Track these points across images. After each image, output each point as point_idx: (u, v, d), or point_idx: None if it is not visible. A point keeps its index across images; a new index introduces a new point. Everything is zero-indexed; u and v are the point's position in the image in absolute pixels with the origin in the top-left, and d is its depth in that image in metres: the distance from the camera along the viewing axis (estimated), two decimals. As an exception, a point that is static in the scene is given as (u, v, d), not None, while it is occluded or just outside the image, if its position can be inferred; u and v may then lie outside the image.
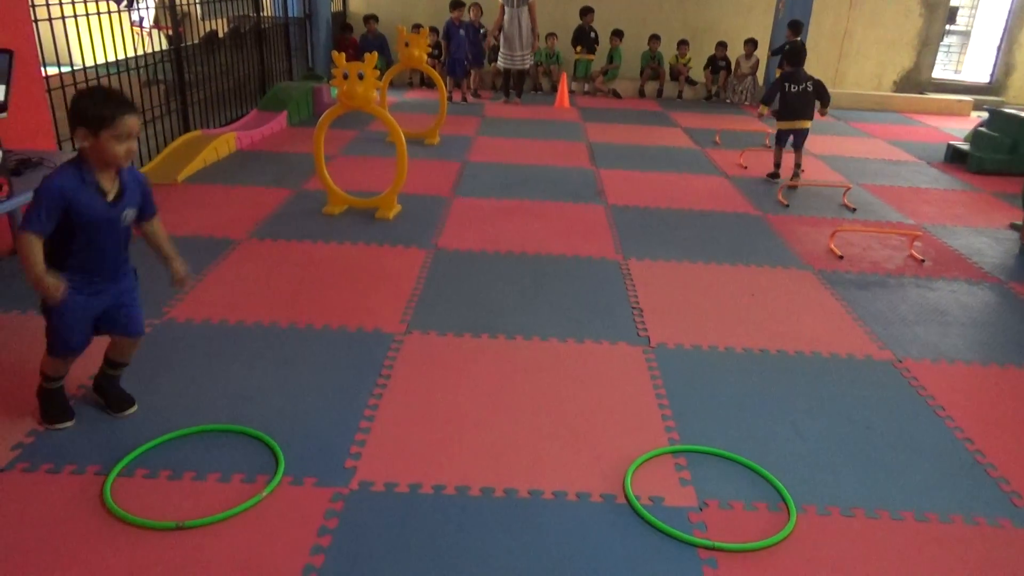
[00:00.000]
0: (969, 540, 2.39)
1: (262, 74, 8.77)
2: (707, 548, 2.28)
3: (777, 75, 7.28)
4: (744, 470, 2.67)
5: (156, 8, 10.89)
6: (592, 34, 11.17)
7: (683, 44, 11.50)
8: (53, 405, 2.74)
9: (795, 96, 6.49)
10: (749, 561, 2.25)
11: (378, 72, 5.01)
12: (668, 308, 3.99)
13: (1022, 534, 2.43)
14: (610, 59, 11.47)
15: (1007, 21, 12.49)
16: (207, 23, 7.82)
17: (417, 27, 10.37)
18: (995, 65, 12.75)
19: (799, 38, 10.07)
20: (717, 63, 11.42)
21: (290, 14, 9.88)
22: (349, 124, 7.95)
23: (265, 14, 8.90)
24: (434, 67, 9.48)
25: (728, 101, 11.37)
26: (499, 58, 10.12)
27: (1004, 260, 5.07)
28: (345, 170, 6.34)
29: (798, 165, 6.59)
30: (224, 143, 6.68)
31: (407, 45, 7.35)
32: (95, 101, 2.36)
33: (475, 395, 3.07)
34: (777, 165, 6.79)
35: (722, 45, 11.35)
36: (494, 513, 2.39)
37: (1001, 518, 2.50)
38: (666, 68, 11.62)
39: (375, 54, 4.97)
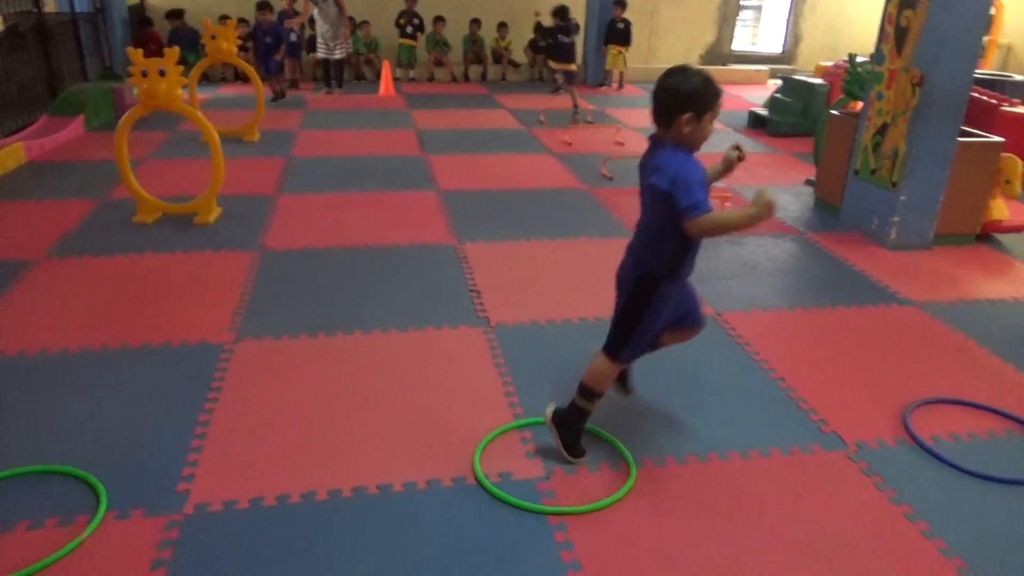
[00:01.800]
0: (787, 468, 2.63)
1: (50, 76, 7.97)
2: (556, 514, 2.36)
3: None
4: (586, 435, 2.77)
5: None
6: (416, 20, 11.11)
7: (503, 27, 11.69)
8: (578, 433, 2.54)
9: (567, 46, 8.54)
10: (596, 520, 2.35)
11: (181, 68, 4.70)
12: (505, 287, 4.06)
13: (831, 456, 2.70)
14: (443, 45, 11.44)
15: (791, -5, 13.71)
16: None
17: (224, 18, 9.84)
18: (785, 36, 13.96)
19: (623, 11, 10.79)
20: (538, 44, 11.69)
21: (78, 9, 9.03)
22: (158, 125, 7.43)
23: (48, 10, 8.08)
24: (248, 60, 9.02)
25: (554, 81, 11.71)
26: (316, 49, 9.83)
27: (802, 213, 5.58)
28: (156, 175, 5.92)
29: (575, 104, 8.59)
30: (10, 155, 6.03)
31: (213, 38, 6.95)
32: (700, 83, 2.25)
33: (315, 397, 2.98)
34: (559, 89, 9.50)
35: (540, 26, 11.63)
36: (344, 515, 2.34)
37: (812, 444, 2.77)
38: (488, 51, 11.77)
39: (176, 49, 4.66)
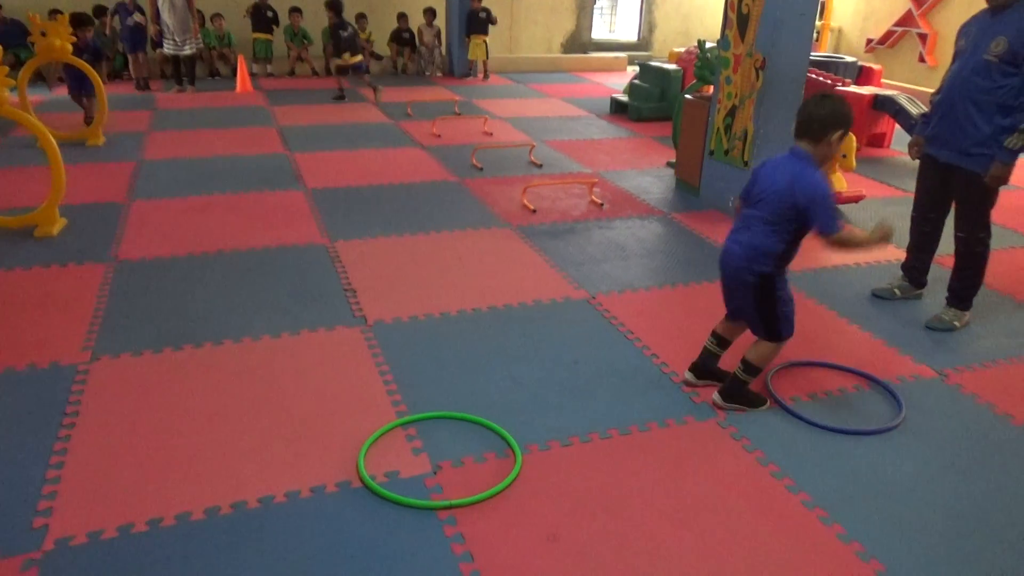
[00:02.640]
0: (664, 440, 2.76)
1: None
2: (445, 508, 2.36)
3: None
4: (471, 426, 2.80)
5: None
6: (270, 13, 10.67)
7: (361, 18, 11.36)
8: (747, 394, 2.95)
9: (347, 39, 8.88)
10: (485, 509, 2.37)
11: (6, 69, 4.30)
12: (381, 285, 4.01)
13: (703, 425, 2.85)
14: (302, 38, 11.03)
15: (644, -15, 14.23)
16: None
17: (55, 13, 9.07)
18: (640, 24, 14.48)
19: (481, 3, 10.82)
20: (401, 36, 11.55)
21: None
22: (-16, 132, 6.79)
23: None
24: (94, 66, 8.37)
25: (425, 74, 11.59)
26: (164, 44, 9.27)
27: (665, 195, 5.83)
28: (-14, 186, 5.41)
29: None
30: None
31: (44, 35, 6.41)
32: (850, 109, 2.69)
33: (185, 412, 2.83)
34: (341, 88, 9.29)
35: (403, 17, 11.52)
36: (223, 533, 2.24)
37: (686, 416, 2.91)
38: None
39: (-2, 48, 4.26)
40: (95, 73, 6.89)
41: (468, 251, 4.53)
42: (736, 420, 2.89)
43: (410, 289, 3.97)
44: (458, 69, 11.65)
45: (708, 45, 6.19)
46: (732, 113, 5.23)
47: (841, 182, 5.48)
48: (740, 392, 2.94)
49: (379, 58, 11.62)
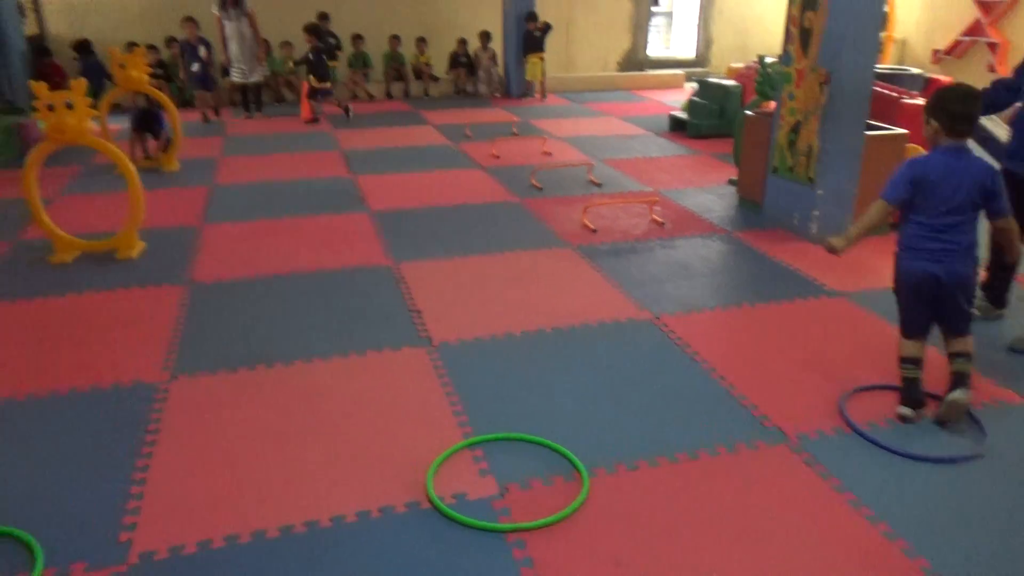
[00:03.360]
0: (734, 465, 2.70)
1: (-54, 113, 7.56)
2: (513, 531, 2.36)
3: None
4: (537, 448, 2.79)
5: None
6: (332, 39, 10.97)
7: (421, 42, 11.64)
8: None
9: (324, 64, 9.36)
10: (553, 533, 2.36)
11: (90, 100, 4.52)
12: (445, 305, 4.05)
13: (775, 451, 2.79)
14: (363, 62, 11.32)
15: (699, 1, 14.12)
16: None
17: (132, 45, 9.52)
18: (697, 40, 14.38)
19: (539, 24, 10.94)
20: (459, 59, 11.74)
21: (-31, 41, 8.59)
22: (69, 160, 7.13)
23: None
24: (160, 88, 8.75)
25: (481, 93, 11.73)
26: (231, 72, 9.59)
27: (728, 213, 5.75)
28: (72, 211, 5.67)
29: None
30: (-92, 199, 5.69)
31: (122, 67, 6.72)
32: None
33: (259, 430, 2.91)
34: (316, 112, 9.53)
35: (462, 42, 11.70)
36: (297, 551, 2.28)
37: (756, 440, 2.85)
38: (408, 68, 11.73)
39: (83, 81, 4.49)
40: (171, 103, 7.18)
41: (530, 271, 4.54)
42: (809, 445, 2.81)
43: (474, 309, 4.00)
44: (515, 90, 11.75)
45: (768, 60, 6.11)
46: (795, 129, 5.14)
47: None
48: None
49: (437, 80, 11.80)
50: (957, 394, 2.87)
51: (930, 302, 2.92)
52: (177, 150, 7.16)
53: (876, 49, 4.89)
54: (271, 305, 4.06)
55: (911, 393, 2.98)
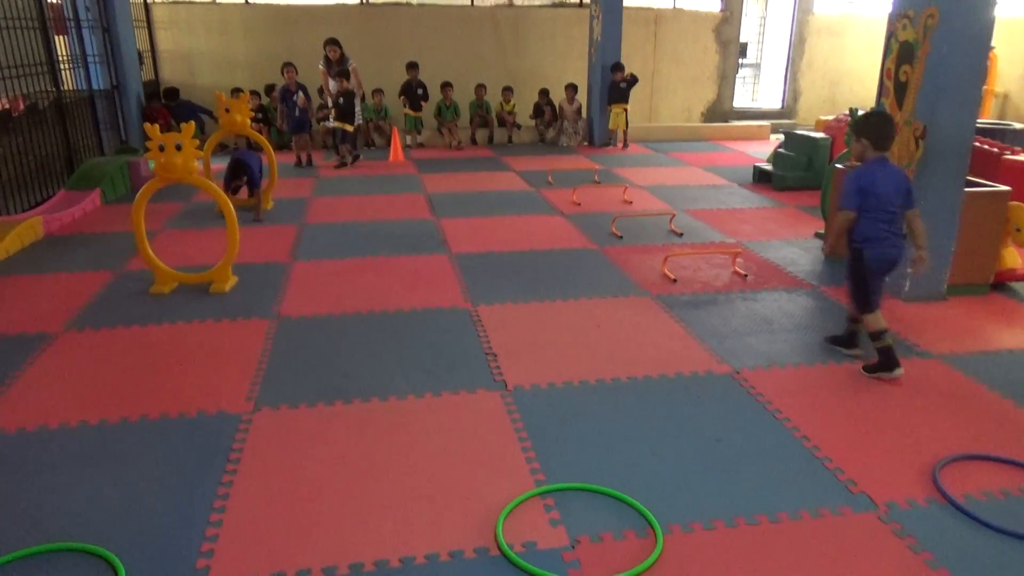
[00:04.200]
0: (817, 532, 2.57)
1: (68, 151, 8.16)
2: (583, 586, 2.30)
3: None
4: (610, 500, 2.73)
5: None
6: (419, 90, 11.30)
7: (507, 91, 11.91)
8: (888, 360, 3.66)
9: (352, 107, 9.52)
10: (625, 591, 2.29)
11: (197, 142, 4.80)
12: (521, 350, 4.05)
13: (861, 518, 2.64)
14: (453, 112, 11.62)
15: (788, 53, 14.01)
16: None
17: (237, 91, 10.09)
18: (784, 92, 14.21)
19: (625, 75, 11.03)
20: (543, 108, 11.91)
21: (95, 86, 9.30)
22: (173, 197, 7.55)
23: (66, 88, 8.32)
24: (260, 131, 9.22)
25: (563, 144, 11.81)
26: (329, 118, 10.03)
27: (814, 267, 5.58)
28: (172, 245, 5.99)
29: (355, 156, 9.80)
30: (28, 229, 6.13)
31: (228, 111, 7.13)
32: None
33: (335, 466, 2.95)
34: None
35: (544, 92, 11.87)
36: (366, 589, 2.29)
37: (841, 506, 2.70)
38: (493, 115, 11.99)
39: (192, 124, 4.77)
40: (268, 144, 7.55)
41: (607, 319, 4.51)
42: (899, 515, 2.65)
43: (550, 355, 3.99)
44: (598, 138, 11.84)
45: (860, 113, 5.97)
46: (889, 184, 4.97)
47: (1015, 258, 5.05)
48: (881, 361, 3.69)
49: (519, 128, 12.01)
50: (899, 371, 3.70)
51: (879, 278, 3.77)
52: (272, 190, 7.50)
53: (976, 103, 4.70)
54: (352, 342, 4.16)
55: (891, 357, 3.67)
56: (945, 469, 2.92)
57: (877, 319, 3.70)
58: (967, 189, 4.77)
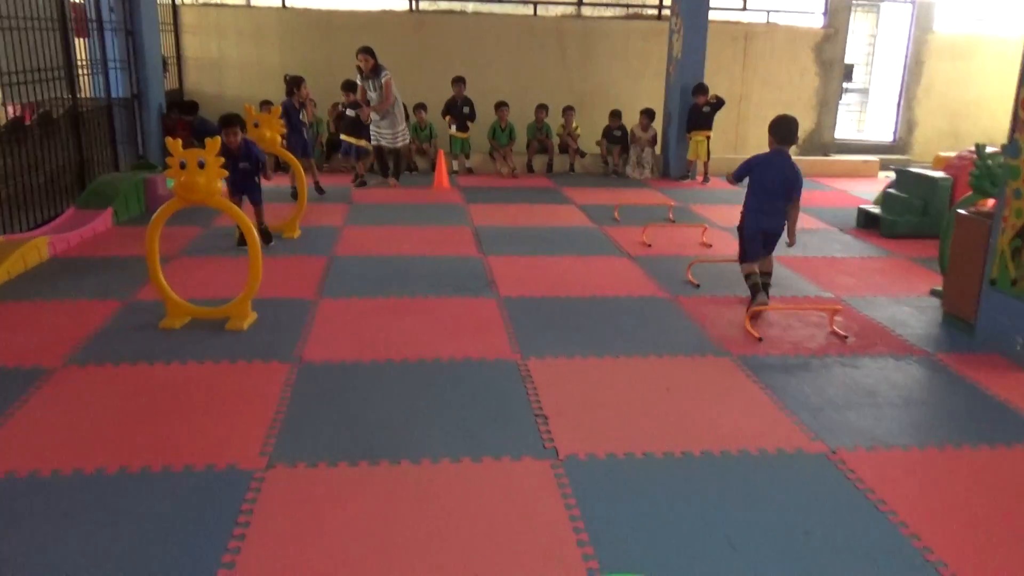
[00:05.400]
0: (928, 653, 2.47)
1: (80, 165, 8.55)
2: None
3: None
4: (676, 598, 2.68)
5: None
6: (466, 108, 11.47)
7: (568, 110, 11.90)
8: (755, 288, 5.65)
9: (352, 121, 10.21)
10: None
11: (222, 160, 4.98)
12: (576, 412, 4.04)
13: (982, 639, 2.53)
14: (508, 134, 11.75)
15: (903, 78, 13.89)
16: (8, 108, 7.60)
17: (266, 105, 10.44)
18: (896, 123, 14.07)
19: (709, 97, 11.07)
20: (612, 133, 11.93)
21: (114, 95, 9.75)
22: (191, 219, 7.82)
23: (83, 95, 8.75)
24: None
25: (631, 176, 11.81)
26: (372, 137, 10.28)
27: (929, 330, 5.46)
28: (187, 274, 6.18)
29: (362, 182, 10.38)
30: (33, 250, 6.41)
31: (256, 126, 7.39)
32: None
33: (355, 538, 2.97)
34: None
35: (616, 115, 11.90)
36: None
37: (958, 623, 2.60)
38: (554, 140, 12.06)
39: (217, 139, 4.95)
40: (299, 165, 7.79)
41: (679, 381, 4.47)
42: (1030, 637, 2.53)
43: (609, 420, 3.96)
44: (674, 170, 11.85)
45: (989, 150, 5.88)
46: (1023, 235, 4.86)
47: None
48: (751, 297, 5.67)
49: (582, 155, 12.07)
50: (762, 297, 5.57)
51: (762, 241, 5.69)
52: (300, 217, 7.70)
53: None
54: (382, 394, 4.20)
55: (756, 291, 5.58)
56: (1088, 584, 2.79)
57: (750, 267, 5.68)
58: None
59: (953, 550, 2.98)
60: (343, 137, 10.42)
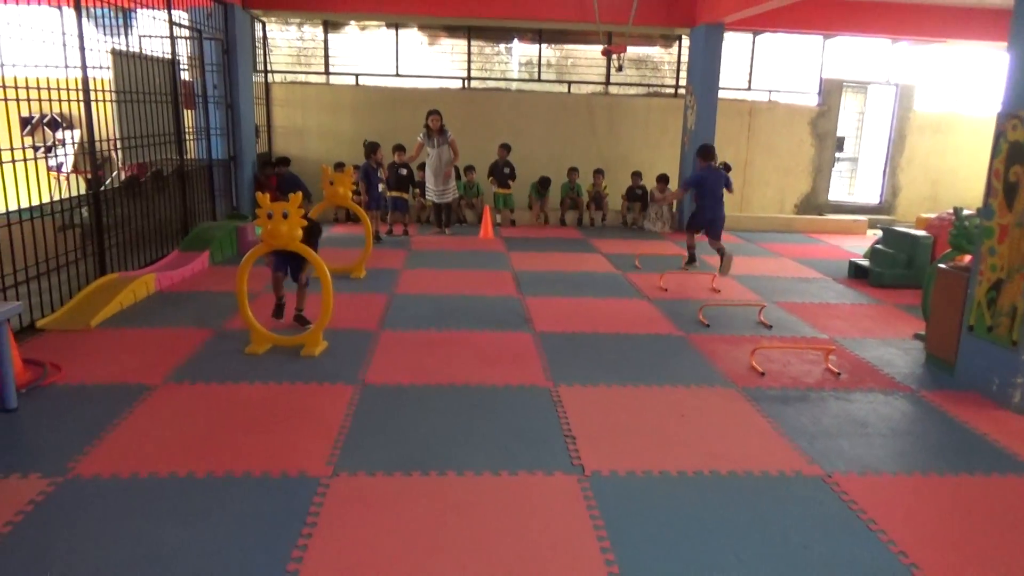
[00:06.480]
0: (916, 661, 2.36)
1: (184, 215, 8.75)
2: None
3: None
4: (688, 602, 2.60)
5: (75, 154, 10.89)
6: (507, 169, 11.63)
7: (598, 173, 12.04)
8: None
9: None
10: None
11: (303, 211, 5.06)
12: (601, 434, 3.98)
13: (966, 650, 2.41)
14: (541, 189, 11.86)
15: (888, 149, 13.72)
16: (128, 167, 7.83)
17: (340, 166, 10.65)
18: (883, 187, 13.87)
19: (715, 163, 10.92)
20: (634, 192, 11.98)
21: (214, 156, 10.00)
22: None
23: (189, 156, 8.99)
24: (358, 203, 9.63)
25: (650, 229, 11.80)
26: (426, 192, 10.43)
27: (913, 369, 5.30)
28: (270, 308, 6.25)
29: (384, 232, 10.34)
30: (142, 285, 6.54)
31: (331, 184, 7.51)
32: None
33: (407, 538, 2.93)
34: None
35: (637, 175, 11.98)
36: (430, 671, 2.23)
37: (944, 634, 2.48)
38: (585, 197, 12.13)
39: (299, 194, 5.03)
40: (366, 216, 7.89)
41: (691, 409, 4.39)
42: (1011, 650, 2.40)
43: (630, 441, 3.89)
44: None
45: (966, 213, 5.75)
46: (997, 287, 4.73)
47: None
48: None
49: (604, 217, 12.10)
50: (725, 261, 7.54)
51: (707, 227, 7.94)
52: (366, 259, 7.78)
53: (1096, 208, 4.47)
54: (432, 413, 4.18)
55: (692, 256, 8.13)
56: (1064, 603, 2.65)
57: (691, 237, 8.30)
58: (1086, 297, 4.48)
59: (937, 567, 2.86)
60: (389, 193, 10.52)
